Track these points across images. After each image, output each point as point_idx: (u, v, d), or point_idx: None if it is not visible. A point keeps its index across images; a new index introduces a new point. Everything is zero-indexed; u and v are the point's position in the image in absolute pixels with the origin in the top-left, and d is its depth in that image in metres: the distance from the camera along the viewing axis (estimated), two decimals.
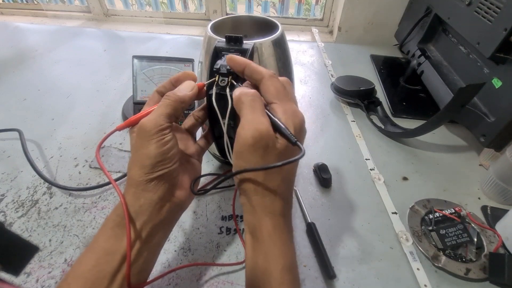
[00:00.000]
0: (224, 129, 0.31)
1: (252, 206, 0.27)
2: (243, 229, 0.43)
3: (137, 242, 0.26)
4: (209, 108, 0.32)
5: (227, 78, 0.30)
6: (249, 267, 0.28)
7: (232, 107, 0.30)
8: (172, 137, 0.28)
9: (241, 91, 0.27)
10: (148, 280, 0.29)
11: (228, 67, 0.30)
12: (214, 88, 0.30)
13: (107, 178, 0.31)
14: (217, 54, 0.32)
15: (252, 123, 0.25)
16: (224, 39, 0.33)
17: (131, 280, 0.25)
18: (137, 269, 0.26)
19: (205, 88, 0.31)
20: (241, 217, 0.44)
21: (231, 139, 0.32)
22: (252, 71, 0.28)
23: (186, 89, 0.30)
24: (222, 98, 0.30)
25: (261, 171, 0.26)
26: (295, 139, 0.26)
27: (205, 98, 0.32)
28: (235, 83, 0.30)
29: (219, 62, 0.31)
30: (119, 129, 0.30)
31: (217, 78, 0.30)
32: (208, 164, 0.53)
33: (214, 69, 0.31)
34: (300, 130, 0.27)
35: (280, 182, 0.27)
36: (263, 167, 0.25)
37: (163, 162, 0.27)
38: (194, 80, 0.31)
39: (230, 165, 0.43)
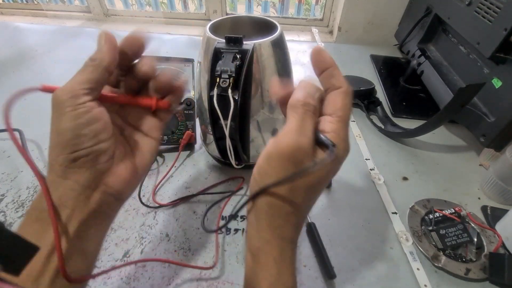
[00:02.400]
0: (226, 131, 0.31)
1: (260, 225, 0.24)
2: (243, 229, 0.43)
3: (63, 240, 0.22)
4: (210, 110, 0.32)
5: (228, 79, 0.30)
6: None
7: (234, 109, 0.30)
8: (90, 108, 0.23)
9: (306, 95, 0.24)
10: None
11: (231, 69, 0.30)
12: (215, 89, 0.30)
13: None
14: (217, 55, 0.32)
15: (296, 133, 0.22)
16: (224, 40, 0.33)
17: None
18: (69, 270, 0.22)
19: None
20: (230, 216, 0.44)
21: (233, 141, 0.32)
22: (334, 75, 0.25)
23: (100, 43, 0.24)
24: (223, 99, 0.30)
25: (286, 189, 0.23)
26: (333, 144, 0.22)
27: (207, 99, 0.32)
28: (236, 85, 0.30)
29: (221, 64, 0.31)
30: (41, 89, 0.25)
31: (218, 79, 0.30)
32: (208, 165, 0.53)
33: (216, 72, 0.30)
34: (341, 160, 0.24)
35: (300, 205, 0.24)
36: (284, 179, 0.22)
37: (79, 140, 0.22)
38: (110, 39, 0.25)
39: (230, 166, 0.43)
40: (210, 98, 0.31)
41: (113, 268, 0.32)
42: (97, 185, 0.24)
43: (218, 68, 0.30)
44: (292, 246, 0.24)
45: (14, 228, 0.42)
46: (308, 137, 0.23)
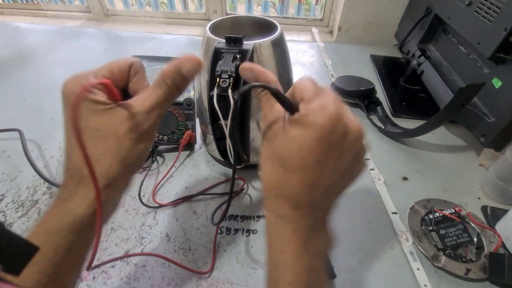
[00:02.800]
0: (226, 131, 0.31)
1: (265, 201, 0.25)
2: (243, 229, 0.43)
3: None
4: (210, 110, 0.32)
5: (228, 79, 0.30)
6: (266, 272, 0.25)
7: (235, 109, 0.30)
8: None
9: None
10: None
11: (231, 69, 0.30)
12: (215, 89, 0.30)
13: None
14: (217, 55, 0.32)
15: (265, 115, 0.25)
16: (224, 40, 0.33)
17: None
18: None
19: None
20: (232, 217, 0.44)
21: (233, 141, 0.32)
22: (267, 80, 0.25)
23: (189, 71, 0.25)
24: (223, 100, 0.30)
25: (271, 163, 0.23)
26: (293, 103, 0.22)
27: (207, 99, 0.32)
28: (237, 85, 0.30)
29: (221, 64, 0.31)
30: (108, 84, 0.25)
31: (218, 79, 0.30)
32: (208, 165, 0.53)
33: (216, 72, 0.30)
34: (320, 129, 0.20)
35: (286, 181, 0.22)
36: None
37: (147, 152, 0.25)
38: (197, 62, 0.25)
39: (230, 166, 0.43)
40: (210, 98, 0.31)
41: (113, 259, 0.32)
42: (127, 187, 0.27)
43: (218, 68, 0.30)
44: (291, 226, 0.23)
45: (14, 228, 0.42)
46: (269, 114, 0.24)
